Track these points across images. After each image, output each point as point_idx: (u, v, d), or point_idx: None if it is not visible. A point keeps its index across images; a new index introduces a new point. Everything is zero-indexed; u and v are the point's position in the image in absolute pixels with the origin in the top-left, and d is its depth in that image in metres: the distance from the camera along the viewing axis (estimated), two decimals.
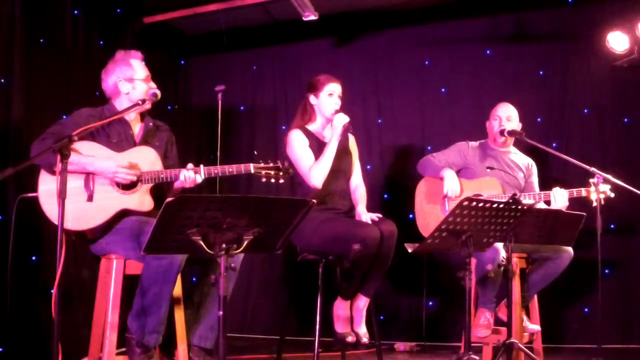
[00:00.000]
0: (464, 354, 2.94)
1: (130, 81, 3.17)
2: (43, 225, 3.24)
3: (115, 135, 3.12)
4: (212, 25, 5.08)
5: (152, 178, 3.03)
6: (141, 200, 3.02)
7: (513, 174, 4.02)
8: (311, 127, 3.77)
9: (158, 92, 3.20)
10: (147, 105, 3.20)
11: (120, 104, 3.18)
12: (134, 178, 2.99)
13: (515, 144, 4.15)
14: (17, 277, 3.33)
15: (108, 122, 3.07)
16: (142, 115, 3.30)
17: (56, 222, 2.49)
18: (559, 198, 3.67)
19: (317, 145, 3.67)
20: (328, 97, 3.71)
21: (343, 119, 3.59)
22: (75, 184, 2.92)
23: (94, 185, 2.95)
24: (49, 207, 2.86)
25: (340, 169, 3.71)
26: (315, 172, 3.55)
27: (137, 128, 3.24)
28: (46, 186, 2.89)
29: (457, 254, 2.94)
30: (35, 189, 2.94)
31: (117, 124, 3.15)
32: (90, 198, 2.94)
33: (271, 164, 3.08)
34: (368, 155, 4.96)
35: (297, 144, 3.68)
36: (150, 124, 3.28)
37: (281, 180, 3.09)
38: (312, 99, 3.76)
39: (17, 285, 3.41)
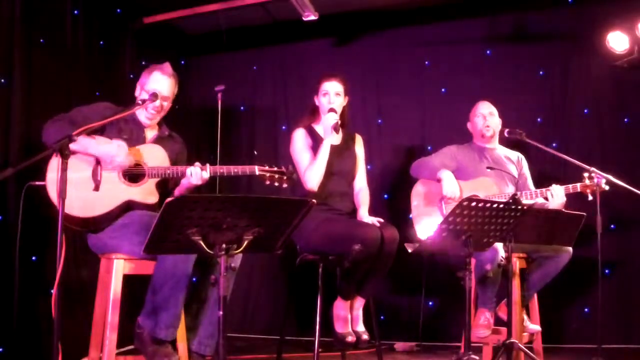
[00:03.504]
0: (464, 354, 2.95)
1: (141, 87, 3.26)
2: (45, 222, 3.24)
3: (127, 132, 3.17)
4: (212, 25, 5.08)
5: (159, 173, 3.08)
6: (147, 193, 3.08)
7: (507, 170, 4.04)
8: (316, 127, 3.79)
9: (157, 92, 3.19)
10: (149, 111, 3.22)
11: (141, 109, 3.21)
12: (132, 162, 3.04)
13: (502, 140, 4.17)
14: (17, 276, 3.33)
15: (122, 120, 3.14)
16: (160, 124, 3.35)
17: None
18: (556, 195, 3.69)
19: (320, 144, 3.67)
20: (323, 97, 3.72)
21: (331, 119, 3.59)
22: (83, 173, 2.98)
23: (101, 176, 3.00)
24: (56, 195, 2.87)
25: (341, 170, 3.71)
26: (309, 174, 3.57)
27: (151, 134, 3.29)
28: (54, 174, 2.89)
29: (457, 254, 2.94)
30: (42, 178, 2.96)
31: (131, 124, 3.22)
32: (97, 188, 2.98)
33: (276, 168, 3.13)
34: (368, 155, 4.92)
35: (297, 144, 3.70)
36: (166, 132, 3.34)
37: (285, 185, 3.15)
38: (315, 101, 3.79)
39: (17, 285, 3.41)
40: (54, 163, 2.94)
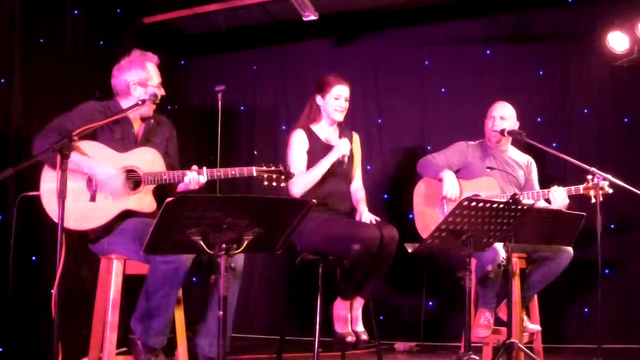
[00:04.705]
0: (464, 354, 2.95)
1: (143, 86, 3.16)
2: (43, 224, 3.24)
3: (118, 133, 3.12)
4: (212, 25, 5.08)
5: (155, 179, 3.03)
6: (142, 201, 3.01)
7: (513, 173, 4.02)
8: (315, 127, 3.75)
9: (158, 92, 3.18)
10: (145, 107, 3.16)
11: (127, 103, 3.15)
12: (126, 195, 2.97)
13: (514, 142, 4.15)
14: (17, 277, 3.33)
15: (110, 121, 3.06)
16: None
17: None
18: (558, 197, 3.68)
19: (319, 147, 3.66)
20: (334, 100, 3.68)
21: (345, 149, 3.57)
22: (77, 183, 2.91)
23: (96, 186, 2.93)
24: (51, 206, 2.84)
25: (341, 170, 3.70)
26: (299, 181, 3.53)
27: (137, 126, 3.22)
28: (48, 185, 2.88)
29: (457, 254, 2.94)
30: (36, 187, 2.93)
31: (120, 122, 3.14)
32: (92, 198, 2.93)
33: (273, 168, 3.08)
34: (368, 155, 4.96)
35: (295, 145, 3.68)
36: (152, 121, 3.26)
37: (282, 184, 3.10)
38: (318, 99, 3.74)
39: (17, 286, 3.41)
40: (47, 175, 2.91)
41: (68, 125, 2.91)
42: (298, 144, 3.67)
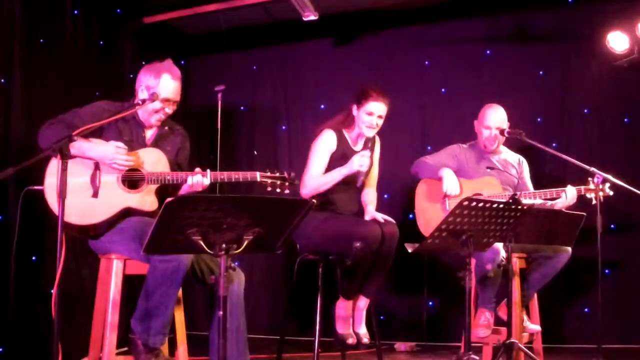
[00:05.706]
0: (464, 354, 2.95)
1: (148, 90, 3.12)
2: (45, 223, 3.24)
3: (127, 134, 3.12)
4: (212, 25, 5.09)
5: (158, 179, 3.02)
6: (145, 199, 3.01)
7: (508, 172, 4.03)
8: (347, 133, 3.67)
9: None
10: (153, 119, 3.15)
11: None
12: (132, 163, 2.98)
13: (505, 141, 4.14)
14: (17, 277, 3.33)
15: (121, 120, 3.07)
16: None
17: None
18: (570, 196, 3.67)
19: (348, 152, 3.60)
20: (366, 116, 3.57)
21: (359, 164, 3.43)
22: (81, 179, 2.92)
23: (99, 182, 2.94)
24: (55, 199, 2.82)
25: (354, 178, 3.64)
26: (311, 183, 3.50)
27: (150, 132, 3.21)
28: (53, 179, 2.87)
29: (457, 254, 2.94)
30: (39, 184, 2.94)
31: (131, 124, 3.14)
32: (95, 194, 2.94)
33: (277, 174, 3.07)
34: None
35: (320, 146, 3.60)
36: (166, 127, 3.25)
37: (286, 191, 3.07)
38: (354, 109, 3.64)
39: (18, 285, 3.41)
40: (53, 168, 2.89)
41: (76, 122, 2.92)
42: (324, 144, 3.60)
